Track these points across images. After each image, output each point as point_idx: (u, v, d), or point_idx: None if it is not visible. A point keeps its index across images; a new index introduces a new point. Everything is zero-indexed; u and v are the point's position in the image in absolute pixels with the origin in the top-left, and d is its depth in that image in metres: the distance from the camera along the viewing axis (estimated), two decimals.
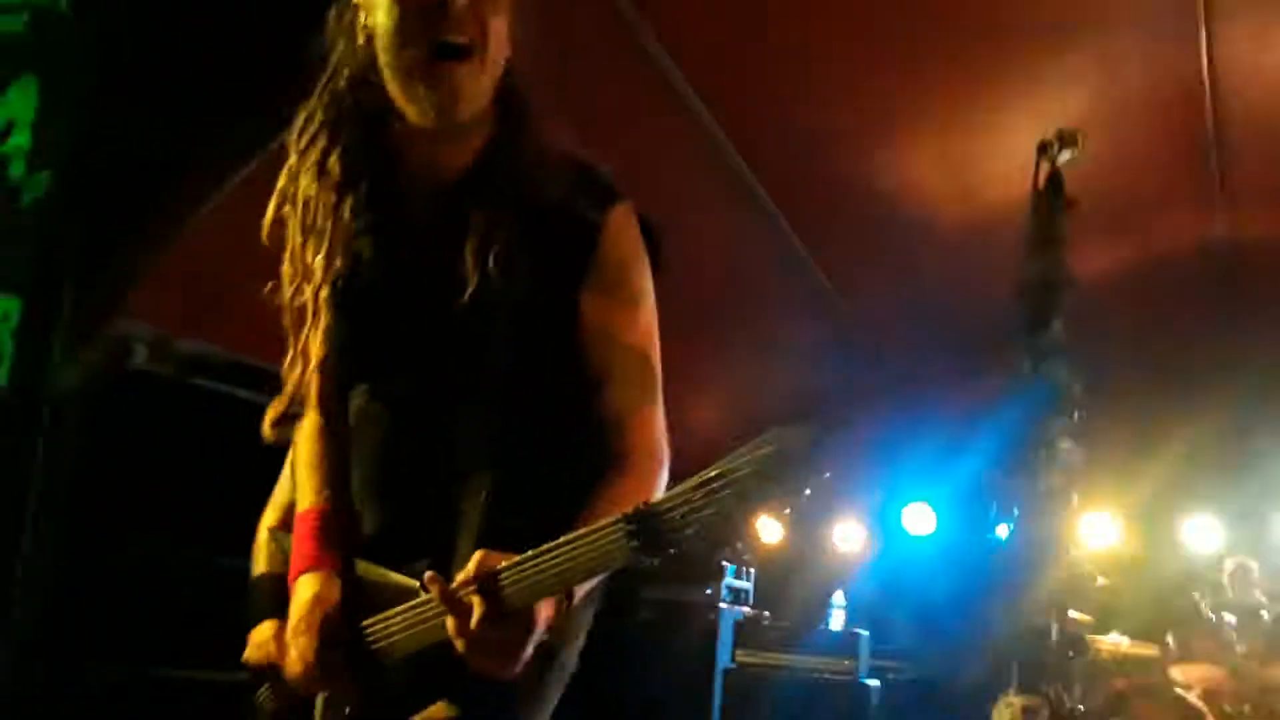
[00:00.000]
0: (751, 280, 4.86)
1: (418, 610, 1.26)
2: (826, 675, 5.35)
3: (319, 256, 1.38)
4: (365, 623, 1.32)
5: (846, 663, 5.36)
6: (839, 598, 5.96)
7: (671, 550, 1.07)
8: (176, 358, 4.91)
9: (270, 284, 1.44)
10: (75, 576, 4.18)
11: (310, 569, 1.35)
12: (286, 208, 1.42)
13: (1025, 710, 3.31)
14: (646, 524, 1.07)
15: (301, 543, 1.39)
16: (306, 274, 1.39)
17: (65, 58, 3.72)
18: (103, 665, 4.40)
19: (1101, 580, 4.77)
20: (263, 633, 1.43)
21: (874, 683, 5.40)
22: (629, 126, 3.82)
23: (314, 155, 1.40)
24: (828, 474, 1.03)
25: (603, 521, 1.12)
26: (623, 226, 1.42)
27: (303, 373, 1.43)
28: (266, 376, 5.17)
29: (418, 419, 1.39)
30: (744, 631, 5.75)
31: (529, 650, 1.19)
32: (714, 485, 1.04)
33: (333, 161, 1.38)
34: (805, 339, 5.27)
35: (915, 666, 5.75)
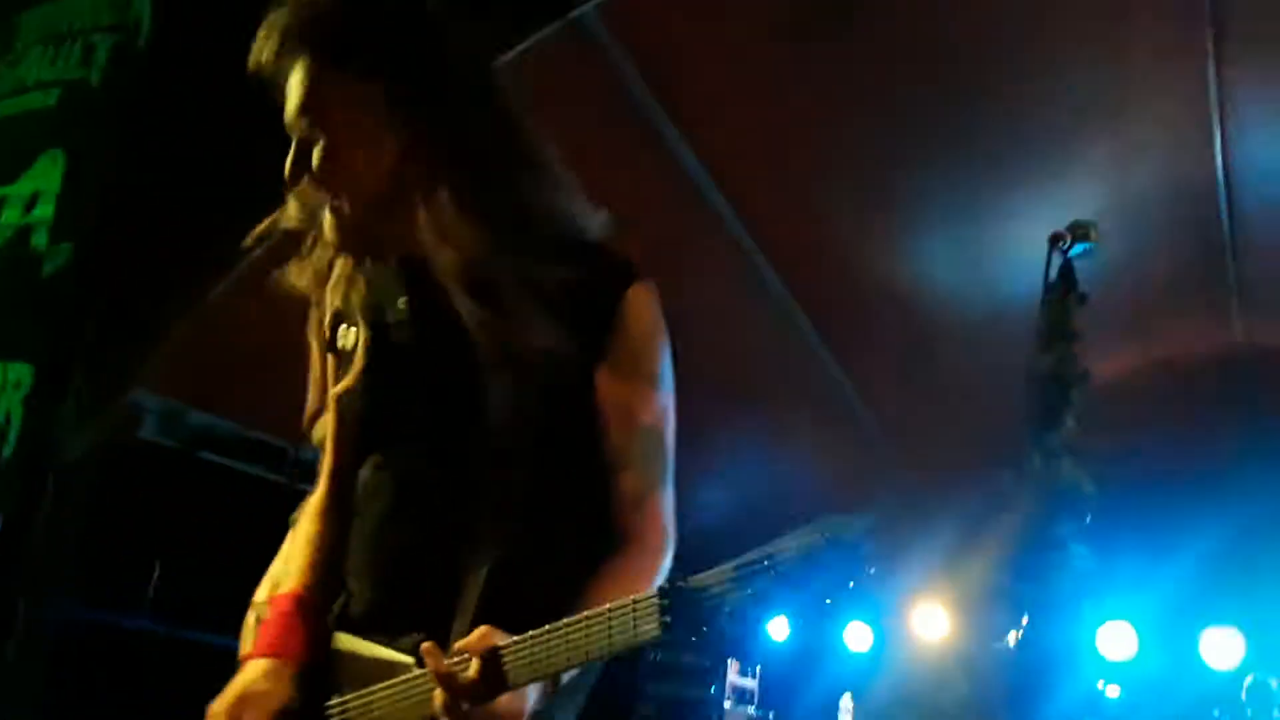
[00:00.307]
0: (761, 368, 4.86)
1: (406, 685, 1.22)
2: None
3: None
4: (346, 698, 1.29)
5: None
6: (847, 702, 5.81)
7: (703, 629, 1.03)
8: (186, 430, 4.93)
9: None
10: (74, 644, 4.14)
11: (264, 655, 1.34)
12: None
13: None
14: (681, 600, 1.04)
15: (269, 626, 1.37)
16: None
17: (92, 133, 3.82)
18: None
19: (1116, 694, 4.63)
20: (214, 710, 1.37)
21: None
22: (641, 213, 3.86)
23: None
24: (874, 569, 1.01)
25: (632, 596, 1.07)
26: (643, 305, 1.38)
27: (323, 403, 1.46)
28: (274, 452, 5.15)
29: (423, 491, 1.35)
30: None
31: None
32: (756, 568, 1.01)
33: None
34: (814, 429, 5.24)
35: None
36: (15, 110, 4.16)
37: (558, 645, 1.10)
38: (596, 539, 1.34)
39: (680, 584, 1.04)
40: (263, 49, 1.29)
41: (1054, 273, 3.05)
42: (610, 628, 1.08)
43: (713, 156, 3.79)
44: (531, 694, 1.16)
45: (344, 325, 1.43)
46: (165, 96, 3.34)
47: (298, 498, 1.68)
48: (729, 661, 5.94)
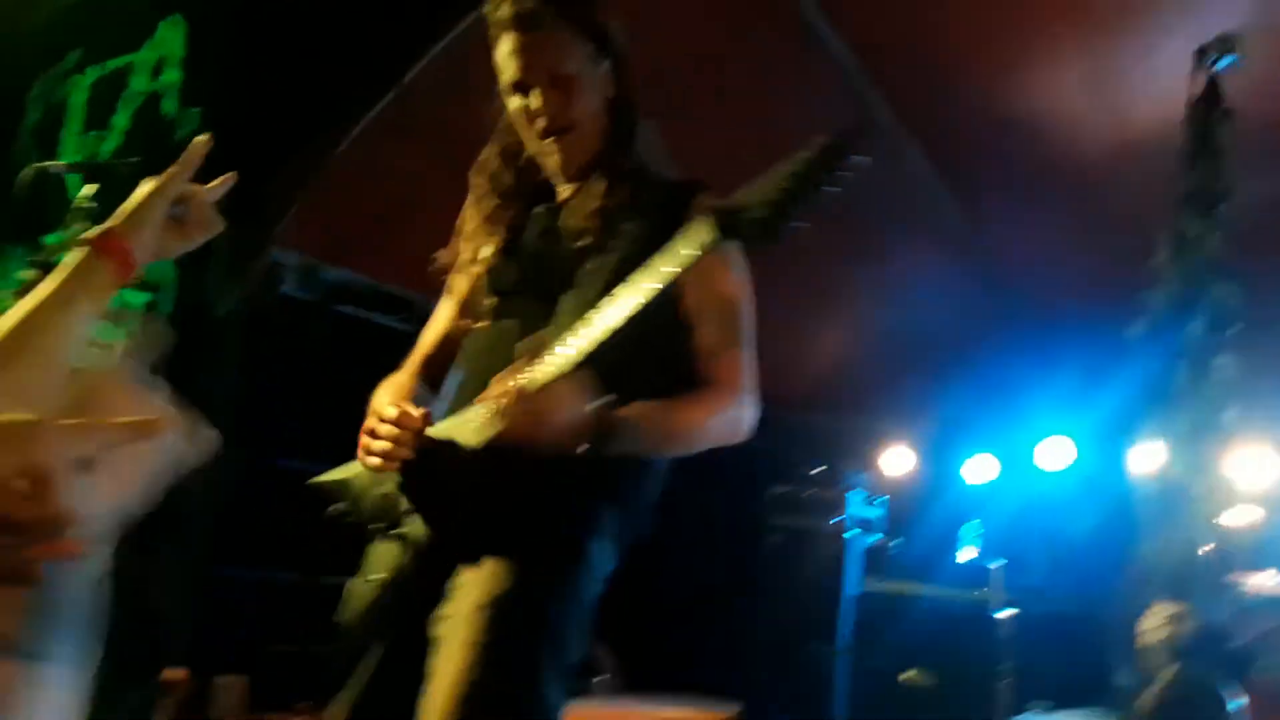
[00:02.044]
0: (873, 207, 4.72)
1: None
2: (958, 604, 5.31)
3: (491, 233, 1.81)
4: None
5: (978, 594, 5.30)
6: (970, 530, 5.87)
7: (746, 224, 1.29)
8: (322, 285, 5.17)
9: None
10: (241, 485, 4.50)
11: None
12: (477, 179, 1.86)
13: (1173, 618, 3.13)
14: (724, 212, 1.31)
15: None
16: (477, 234, 1.83)
17: None
18: (270, 570, 4.75)
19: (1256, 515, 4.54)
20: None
21: (1006, 614, 5.33)
22: (745, 42, 3.73)
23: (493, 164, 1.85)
24: (869, 159, 1.26)
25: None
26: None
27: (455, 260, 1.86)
28: (403, 303, 5.38)
29: (523, 333, 1.62)
30: (873, 559, 5.74)
31: (563, 416, 1.39)
32: (780, 171, 1.26)
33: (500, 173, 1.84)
34: (930, 269, 5.12)
35: (1050, 601, 5.62)
36: None
37: (592, 316, 1.41)
38: (673, 386, 1.57)
39: (719, 206, 1.33)
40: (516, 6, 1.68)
41: (1199, 89, 2.87)
42: (660, 264, 1.36)
43: None
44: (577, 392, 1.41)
45: (490, 233, 1.81)
46: None
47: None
48: (851, 493, 6.04)
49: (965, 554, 5.67)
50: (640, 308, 1.37)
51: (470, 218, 1.85)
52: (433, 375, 1.87)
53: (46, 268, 2.22)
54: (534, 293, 1.69)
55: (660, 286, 1.36)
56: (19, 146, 4.73)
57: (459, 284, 1.87)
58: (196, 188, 1.27)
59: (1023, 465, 6.25)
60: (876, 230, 4.84)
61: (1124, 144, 3.89)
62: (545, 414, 1.37)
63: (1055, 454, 6.16)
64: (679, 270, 1.35)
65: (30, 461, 0.67)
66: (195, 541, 4.08)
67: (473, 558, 1.52)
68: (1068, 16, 3.53)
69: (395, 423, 1.62)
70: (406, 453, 1.61)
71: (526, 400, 1.37)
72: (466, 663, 1.39)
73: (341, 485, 1.75)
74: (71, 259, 1.16)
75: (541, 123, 1.70)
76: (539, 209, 1.79)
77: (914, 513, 6.34)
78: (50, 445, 0.69)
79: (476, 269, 1.79)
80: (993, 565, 5.40)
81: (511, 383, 1.40)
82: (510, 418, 1.38)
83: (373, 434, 1.67)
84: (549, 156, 1.74)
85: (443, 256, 1.89)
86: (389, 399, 1.72)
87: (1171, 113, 3.04)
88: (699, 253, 1.34)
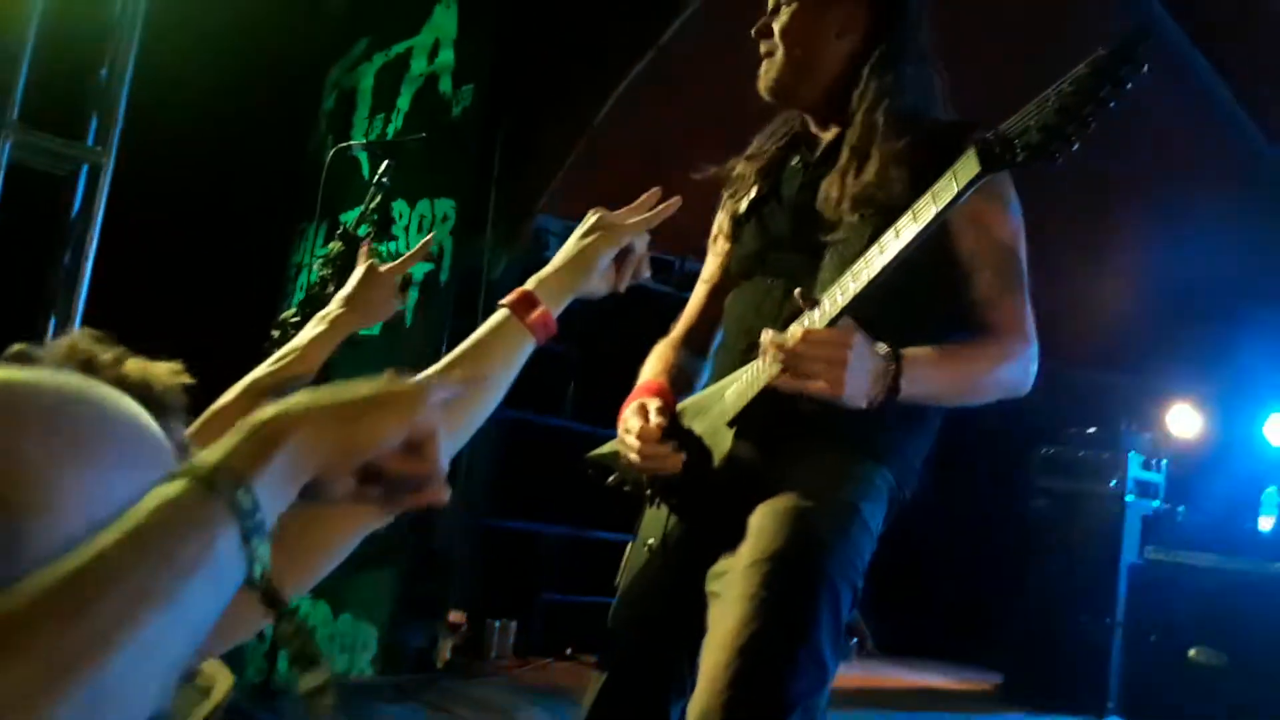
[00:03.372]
0: (1164, 139, 4.34)
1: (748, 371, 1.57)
2: (1254, 577, 4.87)
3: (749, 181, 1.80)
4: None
5: (1278, 566, 4.84)
6: (1271, 496, 5.36)
7: (1019, 150, 1.19)
8: None
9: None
10: (514, 439, 4.79)
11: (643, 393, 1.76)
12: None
13: None
14: (989, 142, 1.22)
15: (640, 388, 1.78)
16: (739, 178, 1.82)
17: None
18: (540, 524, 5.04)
19: None
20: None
21: None
22: None
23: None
24: (1146, 68, 1.14)
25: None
26: None
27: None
28: (662, 265, 5.52)
29: (789, 288, 1.60)
30: (1153, 526, 5.36)
31: (849, 361, 1.35)
32: (1052, 91, 1.17)
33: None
34: (1223, 204, 4.64)
35: None
36: None
37: (859, 266, 1.37)
38: (948, 334, 1.51)
39: (986, 134, 1.24)
40: None
41: None
42: (935, 192, 1.30)
43: None
44: (858, 336, 1.38)
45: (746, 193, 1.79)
46: None
47: (682, 305, 1.93)
48: (1129, 455, 5.66)
49: (1265, 522, 5.19)
50: (904, 251, 1.32)
51: (741, 162, 1.84)
52: (698, 341, 1.89)
53: (348, 241, 2.45)
54: (797, 248, 1.66)
55: (921, 229, 1.31)
56: (316, 131, 5.20)
57: (720, 243, 1.86)
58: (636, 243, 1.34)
59: None
60: (1160, 162, 4.45)
61: None
62: (828, 363, 1.35)
63: None
64: (942, 210, 1.29)
65: (416, 424, 0.72)
66: (475, 496, 4.39)
67: (737, 531, 1.54)
68: None
69: (637, 436, 1.65)
70: (650, 462, 1.64)
71: (808, 348, 1.36)
72: (745, 614, 1.41)
73: (613, 458, 1.78)
74: (493, 320, 1.22)
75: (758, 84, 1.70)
76: (795, 162, 1.75)
77: (1202, 476, 5.85)
78: (432, 408, 0.74)
79: (735, 212, 1.79)
80: None
81: (789, 332, 1.39)
82: (791, 368, 1.37)
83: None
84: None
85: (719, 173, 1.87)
86: (642, 387, 1.77)
87: None
88: (962, 190, 1.27)
